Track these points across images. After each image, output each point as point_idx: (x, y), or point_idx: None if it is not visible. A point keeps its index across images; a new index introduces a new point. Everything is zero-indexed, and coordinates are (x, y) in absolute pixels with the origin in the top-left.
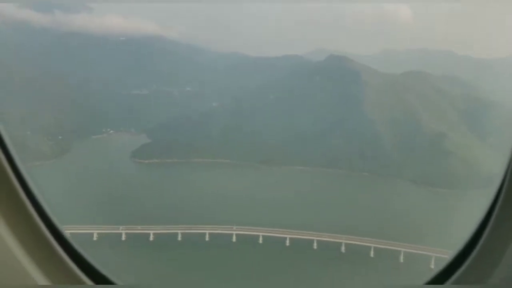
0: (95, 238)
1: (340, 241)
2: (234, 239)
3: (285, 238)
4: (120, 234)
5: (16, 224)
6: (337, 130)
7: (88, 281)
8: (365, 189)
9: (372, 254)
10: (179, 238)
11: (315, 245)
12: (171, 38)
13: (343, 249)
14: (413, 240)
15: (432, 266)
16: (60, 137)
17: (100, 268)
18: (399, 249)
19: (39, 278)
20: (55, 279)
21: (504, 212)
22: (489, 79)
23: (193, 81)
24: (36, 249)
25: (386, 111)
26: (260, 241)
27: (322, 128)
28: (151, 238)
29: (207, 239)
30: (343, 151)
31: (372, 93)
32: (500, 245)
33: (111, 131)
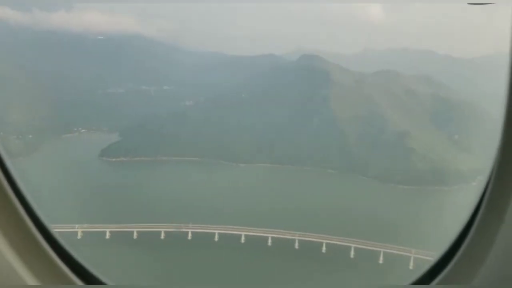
0: None
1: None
2: (189, 236)
3: (240, 235)
4: (76, 233)
5: (6, 224)
6: (305, 128)
7: (78, 281)
8: (330, 186)
9: (324, 250)
10: (135, 237)
11: (269, 242)
12: (150, 36)
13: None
14: (373, 238)
15: (384, 262)
16: (30, 136)
17: (90, 268)
18: (349, 245)
19: (28, 278)
20: (44, 279)
21: (489, 212)
22: (463, 78)
23: (171, 80)
24: (26, 249)
25: (354, 109)
26: (216, 238)
27: (290, 127)
28: (107, 236)
29: (162, 237)
30: (310, 149)
31: (340, 92)
32: (484, 245)
33: (83, 130)
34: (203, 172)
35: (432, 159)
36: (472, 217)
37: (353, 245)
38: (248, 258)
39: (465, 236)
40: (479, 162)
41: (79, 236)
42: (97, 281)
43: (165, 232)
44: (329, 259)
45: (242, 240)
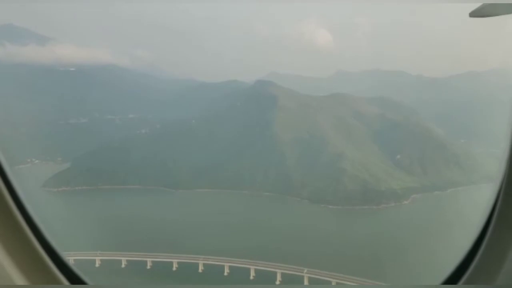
0: None
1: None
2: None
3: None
4: None
5: None
6: (246, 153)
7: (65, 281)
8: (262, 209)
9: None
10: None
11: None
12: (124, 66)
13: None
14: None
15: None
16: None
17: (75, 269)
18: (249, 266)
19: (17, 278)
20: (33, 279)
21: (504, 212)
22: (426, 98)
23: (138, 108)
24: (16, 250)
25: (295, 132)
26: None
27: (232, 152)
28: None
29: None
30: (249, 172)
31: (285, 116)
32: (504, 245)
33: (36, 161)
34: (140, 200)
35: (364, 179)
36: (489, 218)
37: (253, 267)
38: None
39: (484, 237)
40: (416, 180)
41: None
42: (81, 282)
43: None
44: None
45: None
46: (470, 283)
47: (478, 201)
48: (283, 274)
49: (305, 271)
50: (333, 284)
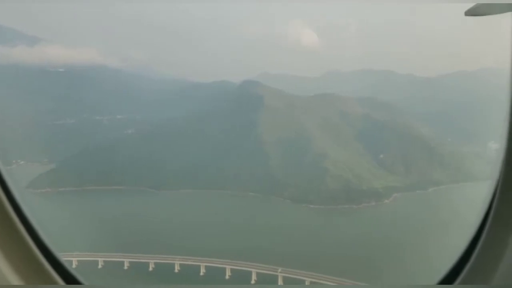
0: None
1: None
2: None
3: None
4: None
5: None
6: (230, 153)
7: (60, 281)
8: (244, 209)
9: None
10: None
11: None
12: (115, 67)
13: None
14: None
15: None
16: None
17: (71, 269)
18: (225, 266)
19: (13, 278)
20: (29, 279)
21: (500, 212)
22: (415, 97)
23: (126, 109)
24: (12, 250)
25: (280, 133)
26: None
27: (216, 152)
28: None
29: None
30: (234, 172)
31: (270, 116)
32: (499, 245)
33: (22, 162)
34: (123, 201)
35: (346, 178)
36: (485, 217)
37: (228, 266)
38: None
39: (480, 236)
40: (398, 180)
41: None
42: (76, 282)
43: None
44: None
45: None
46: (466, 283)
47: (458, 200)
48: (258, 274)
49: (279, 270)
50: (306, 283)
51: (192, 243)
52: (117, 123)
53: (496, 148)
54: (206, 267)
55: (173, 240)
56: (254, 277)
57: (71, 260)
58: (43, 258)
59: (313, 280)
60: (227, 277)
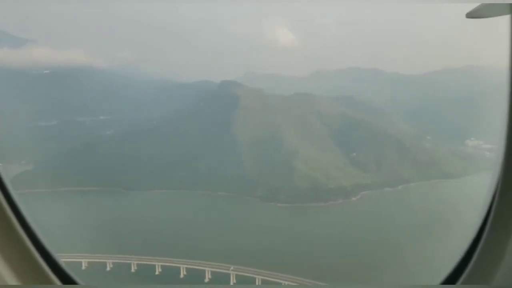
0: None
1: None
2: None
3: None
4: None
5: None
6: (204, 153)
7: (57, 281)
8: (212, 209)
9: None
10: None
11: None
12: (101, 68)
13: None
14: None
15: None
16: None
17: (67, 269)
18: (179, 265)
19: (9, 278)
20: (26, 279)
21: (501, 212)
22: (398, 95)
23: (109, 109)
24: (9, 250)
25: (255, 132)
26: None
27: (190, 153)
28: None
29: None
30: (207, 172)
31: (246, 116)
32: (500, 245)
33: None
34: (97, 202)
35: (314, 177)
36: (485, 218)
37: (184, 266)
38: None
39: (481, 237)
40: (368, 177)
41: None
42: (73, 282)
43: None
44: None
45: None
46: (468, 283)
47: (426, 197)
48: (212, 272)
49: (231, 268)
50: (257, 282)
51: (151, 244)
52: (100, 124)
53: (473, 145)
54: (161, 266)
55: (133, 240)
56: (208, 275)
57: None
58: (40, 259)
59: (264, 278)
60: (182, 276)
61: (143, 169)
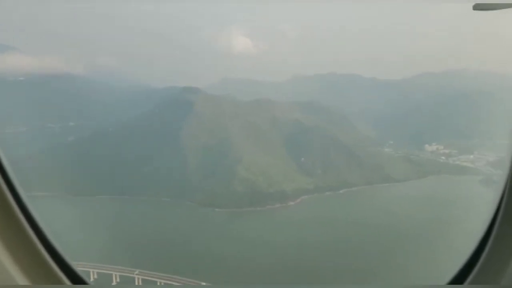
0: None
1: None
2: None
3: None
4: None
5: (0, 225)
6: (153, 159)
7: (67, 281)
8: (150, 214)
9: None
10: None
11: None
12: (78, 74)
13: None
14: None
15: None
16: None
17: (77, 269)
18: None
19: (19, 278)
20: (35, 279)
21: (509, 211)
22: (372, 100)
23: (79, 116)
24: (19, 249)
25: (204, 139)
26: None
27: (139, 158)
28: None
29: None
30: (151, 178)
31: (198, 122)
32: (509, 243)
33: None
34: (41, 208)
35: (254, 181)
36: (494, 217)
37: (94, 270)
38: None
39: (490, 235)
40: (312, 182)
41: None
42: (83, 282)
43: None
44: None
45: None
46: (476, 283)
47: (366, 201)
48: (120, 276)
49: (136, 272)
50: (158, 283)
51: (69, 249)
52: (67, 130)
53: (432, 150)
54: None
55: (71, 246)
56: (116, 279)
57: None
58: (50, 259)
59: (165, 281)
60: (92, 279)
61: (92, 175)
